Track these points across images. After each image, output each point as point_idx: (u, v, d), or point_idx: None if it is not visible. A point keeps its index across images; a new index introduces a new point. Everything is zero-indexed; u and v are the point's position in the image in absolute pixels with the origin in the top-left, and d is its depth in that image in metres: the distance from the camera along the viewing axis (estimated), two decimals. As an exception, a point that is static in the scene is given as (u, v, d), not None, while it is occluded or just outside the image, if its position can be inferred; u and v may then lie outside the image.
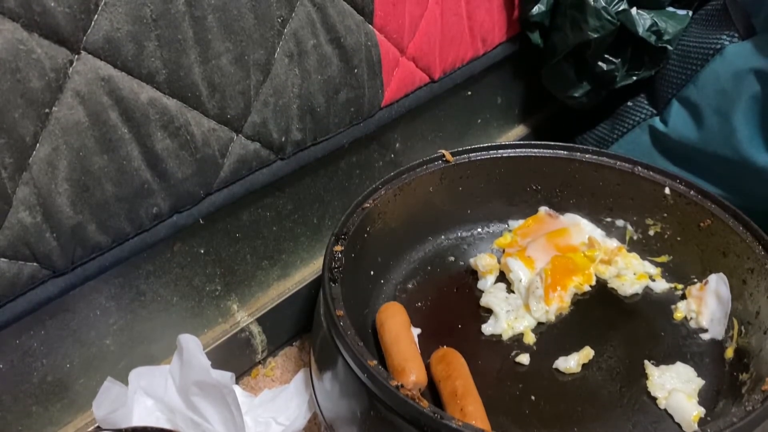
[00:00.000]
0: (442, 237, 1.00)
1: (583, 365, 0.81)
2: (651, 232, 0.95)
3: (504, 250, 0.97)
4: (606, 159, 0.96)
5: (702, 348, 0.83)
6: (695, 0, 1.05)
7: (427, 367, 0.77)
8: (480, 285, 0.93)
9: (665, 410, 0.76)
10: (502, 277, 0.94)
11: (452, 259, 0.98)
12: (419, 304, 0.90)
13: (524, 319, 0.87)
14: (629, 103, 1.12)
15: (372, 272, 0.90)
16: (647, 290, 0.92)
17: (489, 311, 0.89)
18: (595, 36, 0.99)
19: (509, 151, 0.98)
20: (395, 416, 0.65)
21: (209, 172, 0.72)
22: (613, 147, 1.12)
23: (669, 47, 1.01)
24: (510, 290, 0.92)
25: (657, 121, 1.05)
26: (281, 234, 0.90)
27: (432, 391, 0.77)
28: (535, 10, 1.03)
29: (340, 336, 0.70)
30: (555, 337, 0.86)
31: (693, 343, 0.84)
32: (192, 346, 0.76)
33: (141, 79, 0.62)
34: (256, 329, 0.90)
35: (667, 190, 0.92)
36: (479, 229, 1.01)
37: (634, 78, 1.06)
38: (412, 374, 0.73)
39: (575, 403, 0.77)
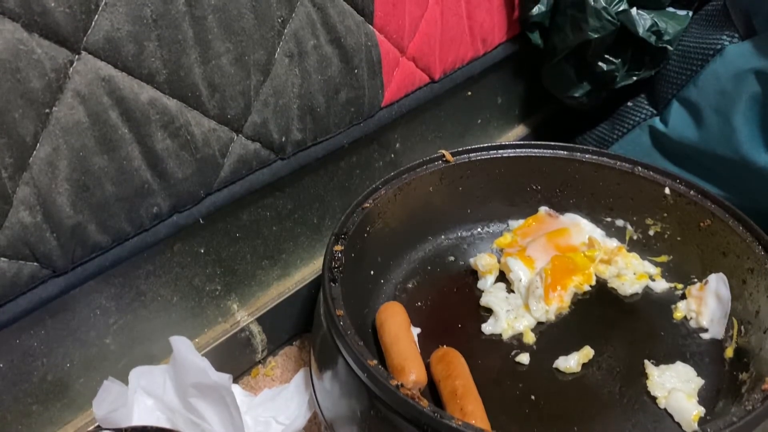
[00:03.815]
0: (442, 237, 1.00)
1: (583, 365, 0.81)
2: (651, 232, 0.95)
3: (504, 250, 0.97)
4: (606, 159, 0.96)
5: (702, 348, 0.83)
6: (695, 0, 1.05)
7: (427, 367, 0.77)
8: (480, 285, 0.93)
9: (665, 410, 0.76)
10: (502, 277, 0.94)
11: (452, 259, 0.98)
12: (419, 304, 0.90)
13: (524, 319, 0.87)
14: (629, 104, 1.12)
15: (372, 272, 0.90)
16: (647, 290, 0.92)
17: (489, 311, 0.89)
18: (596, 36, 0.99)
19: (509, 151, 0.98)
20: (395, 416, 0.65)
21: (209, 172, 0.72)
22: (613, 147, 1.12)
23: (669, 47, 1.02)
24: (510, 290, 0.92)
25: (657, 122, 1.05)
26: (281, 234, 0.90)
27: (432, 390, 0.77)
28: (535, 10, 1.03)
29: (340, 336, 0.70)
30: (555, 336, 0.86)
31: (693, 343, 0.84)
32: (184, 348, 0.75)
33: (141, 80, 0.62)
34: (256, 329, 0.90)
35: (667, 190, 0.92)
36: (479, 229, 1.01)
37: (634, 78, 1.06)
38: (411, 374, 0.73)
39: (575, 402, 0.77)
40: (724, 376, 0.79)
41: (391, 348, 0.77)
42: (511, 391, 0.79)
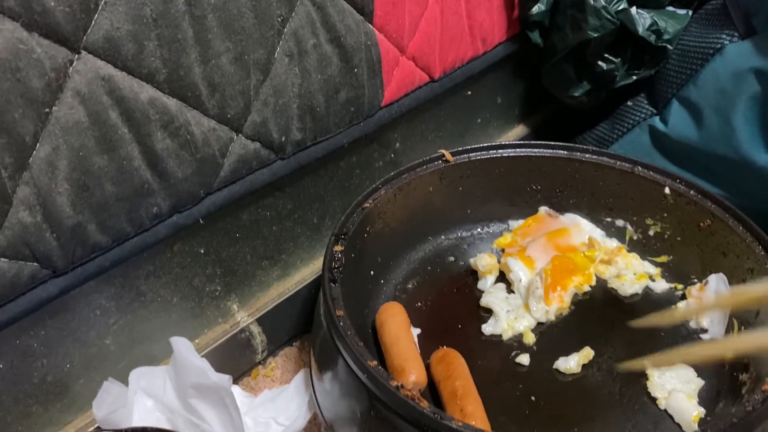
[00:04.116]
0: (442, 237, 0.99)
1: (583, 365, 0.81)
2: (651, 232, 0.95)
3: (504, 250, 0.97)
4: (606, 159, 0.96)
5: (702, 348, 0.83)
6: (695, -1, 1.05)
7: (427, 368, 0.77)
8: (480, 285, 0.93)
9: (665, 410, 0.76)
10: (502, 277, 0.94)
11: (452, 259, 0.97)
12: (419, 304, 0.90)
13: (524, 319, 0.87)
14: (629, 103, 1.12)
15: (372, 272, 0.90)
16: (647, 290, 0.92)
17: (489, 311, 0.89)
18: (595, 35, 0.99)
19: (509, 151, 0.98)
20: (395, 416, 0.64)
21: (209, 172, 0.72)
22: (613, 147, 1.12)
23: (669, 47, 1.02)
24: (510, 290, 0.92)
25: (657, 121, 1.05)
26: (281, 234, 0.90)
27: (432, 391, 0.77)
28: (535, 9, 1.03)
29: (340, 336, 0.70)
30: (555, 337, 0.86)
31: (693, 344, 0.84)
32: (184, 348, 0.75)
33: (141, 79, 0.62)
34: (256, 329, 0.90)
35: (667, 190, 0.92)
36: (479, 229, 1.01)
37: (634, 77, 1.06)
38: (412, 374, 0.73)
39: (575, 403, 0.77)
40: (724, 377, 0.79)
41: (391, 348, 0.77)
42: (511, 391, 0.79)
